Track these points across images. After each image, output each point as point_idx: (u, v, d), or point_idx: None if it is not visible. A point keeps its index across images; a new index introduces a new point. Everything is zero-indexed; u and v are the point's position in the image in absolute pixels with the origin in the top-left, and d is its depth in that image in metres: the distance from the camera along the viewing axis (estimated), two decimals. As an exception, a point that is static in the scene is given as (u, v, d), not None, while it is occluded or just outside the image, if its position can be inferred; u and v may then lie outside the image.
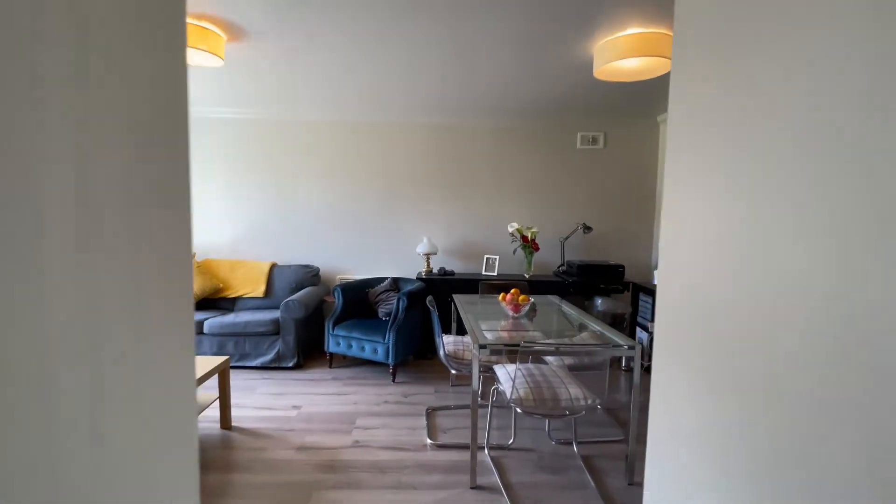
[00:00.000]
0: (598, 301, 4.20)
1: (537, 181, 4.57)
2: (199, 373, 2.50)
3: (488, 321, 2.71)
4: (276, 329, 3.70)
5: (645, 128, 4.54)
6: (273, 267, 4.31)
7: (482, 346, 2.14)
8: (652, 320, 3.84)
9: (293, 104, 4.12)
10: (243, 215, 4.55)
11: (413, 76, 3.26)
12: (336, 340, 3.70)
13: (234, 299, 4.22)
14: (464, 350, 2.83)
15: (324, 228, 4.57)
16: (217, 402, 3.12)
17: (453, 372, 2.95)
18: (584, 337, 2.45)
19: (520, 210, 4.58)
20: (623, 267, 4.19)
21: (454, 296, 3.49)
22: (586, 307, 4.30)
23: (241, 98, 3.92)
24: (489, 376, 2.64)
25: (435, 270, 4.45)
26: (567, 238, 4.49)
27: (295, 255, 4.59)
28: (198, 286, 4.01)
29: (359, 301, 3.97)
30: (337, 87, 3.52)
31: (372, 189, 4.54)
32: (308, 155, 4.49)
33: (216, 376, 2.97)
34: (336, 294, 3.82)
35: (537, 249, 4.24)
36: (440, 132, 4.49)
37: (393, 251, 4.60)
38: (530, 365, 2.49)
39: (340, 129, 4.47)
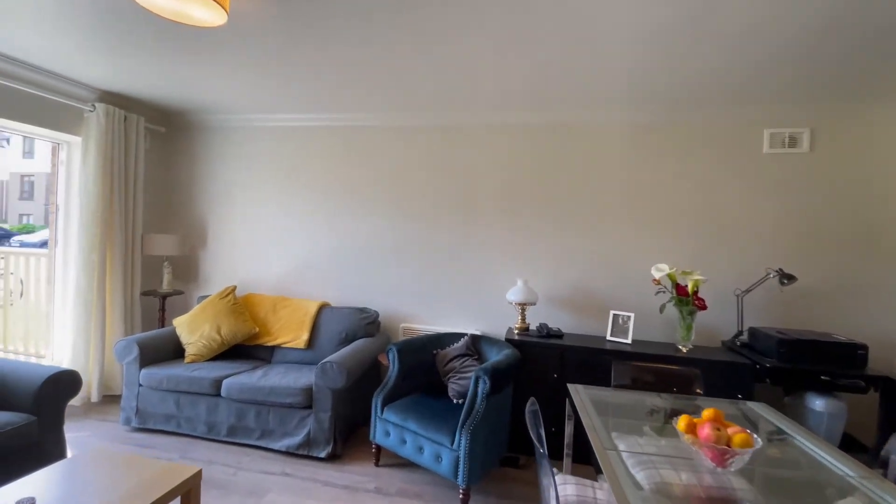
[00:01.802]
0: (816, 403, 2.47)
1: (699, 202, 3.03)
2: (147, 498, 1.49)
3: (643, 456, 1.31)
4: (307, 401, 2.65)
5: (886, 120, 2.79)
6: (322, 309, 3.35)
7: None
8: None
9: (356, 106, 3.22)
10: (296, 243, 3.71)
11: (506, 52, 2.10)
12: (385, 428, 2.52)
13: (272, 348, 3.32)
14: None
15: (386, 262, 3.53)
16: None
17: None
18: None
19: (670, 245, 3.07)
20: (865, 348, 2.44)
21: (572, 387, 2.12)
22: (787, 409, 2.59)
23: (297, 102, 3.13)
24: None
25: (533, 328, 3.11)
26: (748, 291, 2.85)
27: (351, 294, 3.60)
28: (228, 329, 3.17)
29: (423, 366, 2.78)
30: (408, 81, 2.51)
31: (449, 212, 3.41)
32: (370, 168, 3.54)
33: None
34: (391, 356, 2.67)
35: (703, 308, 2.68)
36: (542, 133, 3.24)
37: (474, 297, 3.37)
38: None
39: (408, 134, 3.46)
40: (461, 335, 2.90)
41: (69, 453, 2.51)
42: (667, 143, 3.06)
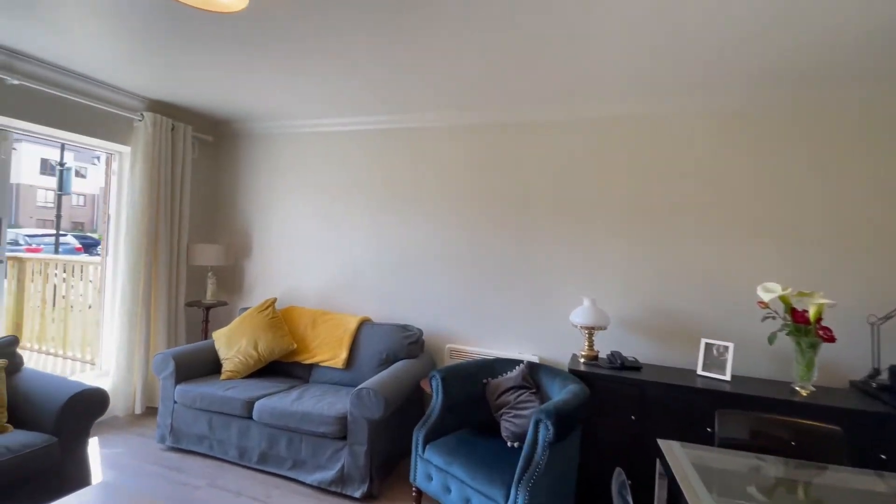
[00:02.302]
0: None
1: (819, 204, 2.45)
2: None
3: None
4: (342, 431, 2.36)
5: None
6: (362, 325, 3.08)
7: None
8: None
9: (398, 106, 2.96)
10: (337, 253, 3.50)
11: (576, 36, 1.72)
12: (426, 470, 2.16)
13: (311, 366, 3.09)
14: None
15: (432, 275, 3.21)
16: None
17: None
18: None
19: (781, 259, 2.49)
20: None
21: (665, 444, 1.65)
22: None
23: (337, 104, 2.92)
24: None
25: (603, 355, 2.64)
26: (888, 318, 2.21)
27: (394, 309, 3.31)
28: (265, 344, 2.98)
29: (471, 398, 2.41)
30: (458, 72, 2.20)
31: (502, 220, 3.03)
32: (414, 173, 3.26)
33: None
34: (434, 385, 2.33)
35: (830, 340, 2.10)
36: (609, 127, 2.79)
37: (531, 316, 2.95)
38: None
39: (456, 134, 3.14)
40: (516, 362, 2.49)
41: (99, 475, 2.39)
42: (764, 130, 2.51)
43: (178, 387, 2.74)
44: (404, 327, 2.99)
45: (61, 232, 8.99)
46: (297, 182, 3.64)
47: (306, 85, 2.74)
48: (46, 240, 9.63)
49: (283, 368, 3.12)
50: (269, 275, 3.72)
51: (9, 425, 1.93)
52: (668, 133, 2.69)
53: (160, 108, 3.30)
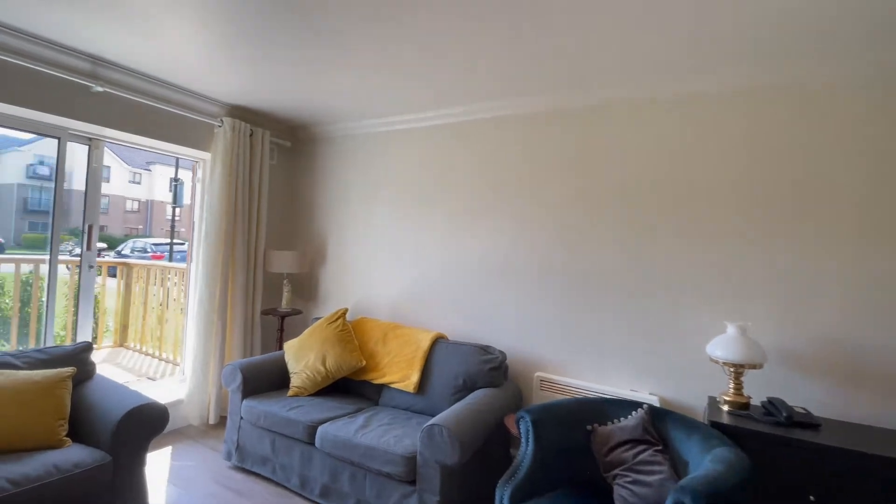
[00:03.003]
0: None
1: None
2: None
3: None
4: (410, 474, 1.97)
5: None
6: (436, 343, 2.69)
7: None
8: None
9: (481, 93, 2.55)
10: (412, 260, 3.17)
11: None
12: (514, 542, 1.67)
13: (380, 387, 2.77)
14: None
15: (519, 287, 2.72)
16: None
17: None
18: None
19: None
20: None
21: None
22: None
23: (413, 98, 2.60)
24: None
25: (756, 403, 1.94)
26: None
27: (474, 325, 2.88)
28: (333, 360, 2.73)
29: (572, 448, 1.87)
30: (579, 43, 1.73)
31: (606, 221, 2.46)
32: (498, 169, 2.81)
33: None
34: (523, 429, 1.83)
35: None
36: (747, 103, 2.09)
37: (649, 344, 2.32)
38: None
39: (549, 121, 2.63)
40: (632, 404, 1.90)
41: (162, 494, 2.26)
42: None
43: (245, 402, 2.57)
44: (485, 349, 2.54)
45: (176, 241, 10.07)
46: (371, 186, 3.40)
47: (394, 76, 2.45)
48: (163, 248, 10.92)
49: (352, 386, 2.84)
50: (343, 283, 3.52)
51: (67, 439, 1.83)
52: (820, 104, 1.93)
53: (239, 113, 3.27)
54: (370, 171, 3.40)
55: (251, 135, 3.27)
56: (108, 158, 19.12)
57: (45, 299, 2.59)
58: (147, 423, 1.92)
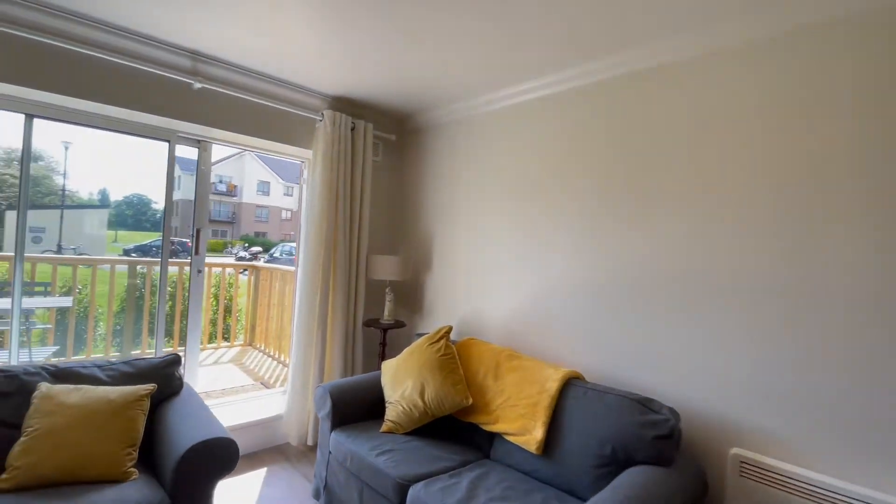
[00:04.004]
0: None
1: None
2: None
3: None
4: None
5: None
6: (569, 385, 1.96)
7: None
8: None
9: (621, 39, 1.75)
10: (534, 270, 2.48)
11: None
12: None
13: (491, 435, 2.14)
14: None
15: (692, 310, 1.83)
16: None
17: None
18: None
19: None
20: None
21: None
22: None
23: (531, 58, 1.93)
24: None
25: None
26: None
27: (618, 364, 2.07)
28: (433, 392, 2.19)
29: None
30: None
31: (838, 213, 1.43)
32: (650, 142, 1.95)
33: None
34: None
35: None
36: None
37: None
38: None
39: (736, 65, 1.69)
40: None
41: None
42: None
43: (333, 434, 2.19)
44: (645, 403, 1.72)
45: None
46: (482, 178, 2.81)
47: (514, 37, 1.85)
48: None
49: (456, 426, 2.27)
50: (449, 295, 3.00)
51: (133, 471, 1.60)
52: None
53: (340, 105, 2.99)
54: (481, 160, 2.82)
55: (353, 129, 2.96)
56: (267, 174, 22.34)
57: (158, 302, 2.59)
58: (210, 463, 1.61)
